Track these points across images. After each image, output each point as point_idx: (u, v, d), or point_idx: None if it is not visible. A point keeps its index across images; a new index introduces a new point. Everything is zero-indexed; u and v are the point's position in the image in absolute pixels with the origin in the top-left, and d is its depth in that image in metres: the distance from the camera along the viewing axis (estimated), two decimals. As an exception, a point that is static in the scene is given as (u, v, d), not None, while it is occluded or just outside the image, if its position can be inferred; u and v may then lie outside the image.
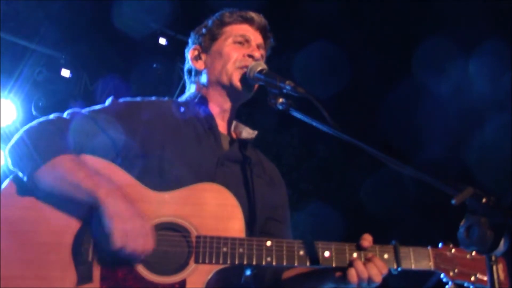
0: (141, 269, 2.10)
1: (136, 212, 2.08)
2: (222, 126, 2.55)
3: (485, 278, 2.17)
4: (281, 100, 2.16)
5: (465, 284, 2.20)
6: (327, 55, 5.40)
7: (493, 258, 1.47)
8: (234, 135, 2.60)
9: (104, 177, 2.15)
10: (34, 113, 5.33)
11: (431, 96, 5.55)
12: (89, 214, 2.12)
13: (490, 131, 5.21)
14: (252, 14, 2.62)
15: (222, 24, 2.60)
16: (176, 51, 5.77)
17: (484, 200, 1.46)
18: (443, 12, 5.27)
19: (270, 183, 2.57)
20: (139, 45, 5.67)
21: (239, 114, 2.68)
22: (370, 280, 2.14)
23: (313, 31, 5.58)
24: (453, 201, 1.49)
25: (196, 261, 2.11)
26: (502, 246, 1.44)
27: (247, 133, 2.58)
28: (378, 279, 2.14)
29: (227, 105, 2.55)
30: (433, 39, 5.23)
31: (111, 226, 2.03)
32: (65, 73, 5.59)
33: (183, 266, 2.11)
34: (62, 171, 2.15)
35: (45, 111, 5.10)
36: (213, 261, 2.11)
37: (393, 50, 5.63)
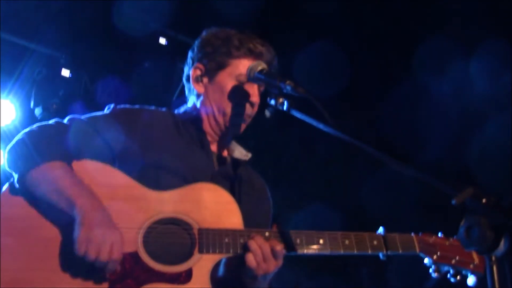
0: (147, 260, 2.18)
1: (107, 221, 2.11)
2: (214, 145, 2.59)
3: (463, 260, 2.44)
4: (281, 100, 2.19)
5: (445, 268, 2.47)
6: (327, 55, 5.40)
7: (493, 258, 1.47)
8: (225, 153, 2.62)
9: (87, 189, 2.18)
10: (37, 112, 5.31)
11: (431, 96, 5.55)
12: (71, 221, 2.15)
13: (490, 131, 5.20)
14: (262, 49, 2.51)
15: (229, 55, 2.51)
16: (176, 51, 5.76)
17: (484, 200, 1.46)
18: (443, 11, 5.26)
19: (258, 201, 2.62)
20: (139, 45, 5.66)
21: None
22: (265, 258, 2.18)
23: (313, 31, 5.57)
24: (453, 201, 1.49)
25: (200, 251, 2.21)
26: (502, 246, 1.44)
27: (240, 153, 2.60)
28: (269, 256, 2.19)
29: (219, 135, 2.59)
30: (433, 39, 5.23)
31: (77, 232, 2.07)
32: (65, 73, 5.58)
33: (188, 256, 2.21)
34: (50, 176, 2.20)
35: (48, 112, 5.13)
36: (217, 251, 2.21)
37: (393, 50, 5.62)
